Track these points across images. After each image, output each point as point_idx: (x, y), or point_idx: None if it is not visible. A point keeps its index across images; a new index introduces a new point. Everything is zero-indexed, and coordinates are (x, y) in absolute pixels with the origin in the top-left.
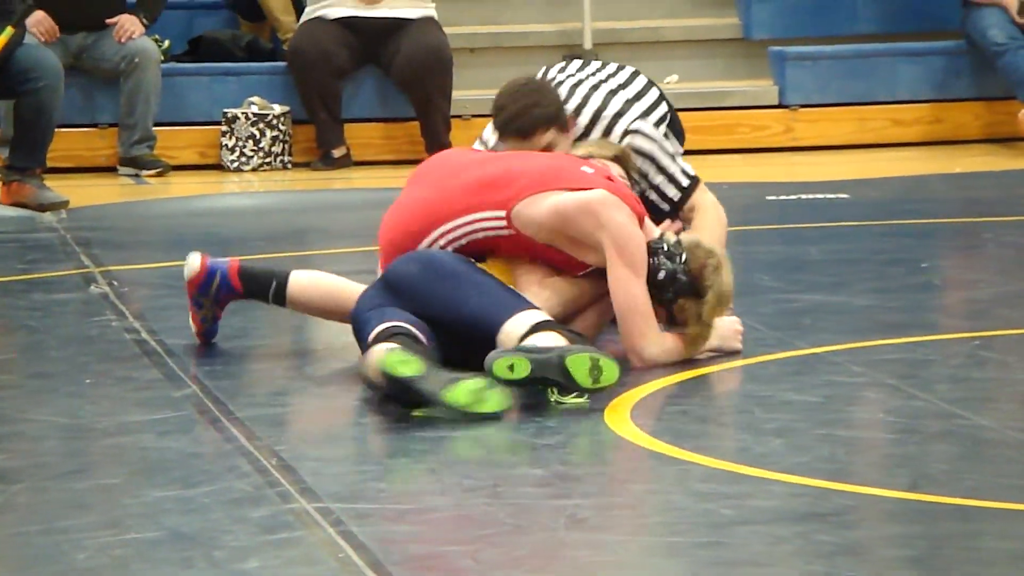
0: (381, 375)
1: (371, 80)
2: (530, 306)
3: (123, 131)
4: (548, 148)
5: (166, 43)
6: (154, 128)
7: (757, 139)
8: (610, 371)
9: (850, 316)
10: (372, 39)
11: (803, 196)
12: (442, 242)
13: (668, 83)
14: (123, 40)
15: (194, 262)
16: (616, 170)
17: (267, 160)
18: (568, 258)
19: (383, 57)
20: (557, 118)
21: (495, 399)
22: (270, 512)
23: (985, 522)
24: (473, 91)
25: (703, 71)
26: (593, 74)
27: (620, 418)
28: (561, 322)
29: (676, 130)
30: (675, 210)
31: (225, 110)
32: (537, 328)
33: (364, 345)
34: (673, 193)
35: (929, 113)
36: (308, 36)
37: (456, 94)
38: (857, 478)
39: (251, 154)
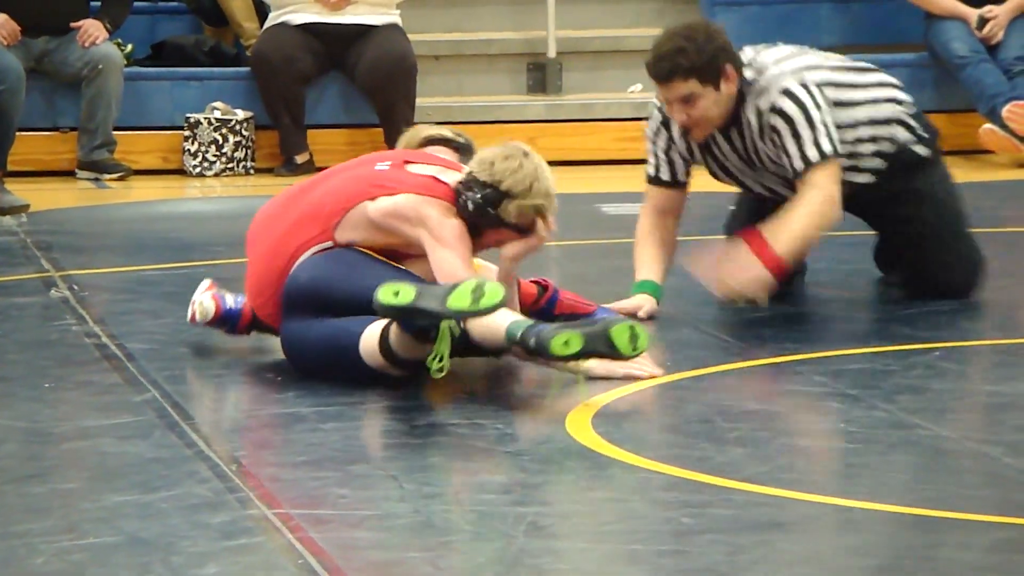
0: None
1: (335, 86)
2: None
3: (83, 135)
4: (689, 100)
5: (129, 47)
6: (116, 133)
7: None
8: (643, 336)
9: (812, 326)
10: (336, 45)
11: None
12: None
13: (631, 92)
14: (87, 45)
15: (208, 308)
16: (437, 150)
17: (230, 165)
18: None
19: (347, 63)
20: (700, 71)
21: (491, 292)
22: (229, 518)
23: (945, 532)
24: (437, 98)
25: None
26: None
27: (581, 426)
28: None
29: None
30: (794, 177)
31: (188, 115)
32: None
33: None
34: (798, 165)
35: None
36: (271, 41)
37: (420, 101)
38: (817, 488)
39: (214, 159)
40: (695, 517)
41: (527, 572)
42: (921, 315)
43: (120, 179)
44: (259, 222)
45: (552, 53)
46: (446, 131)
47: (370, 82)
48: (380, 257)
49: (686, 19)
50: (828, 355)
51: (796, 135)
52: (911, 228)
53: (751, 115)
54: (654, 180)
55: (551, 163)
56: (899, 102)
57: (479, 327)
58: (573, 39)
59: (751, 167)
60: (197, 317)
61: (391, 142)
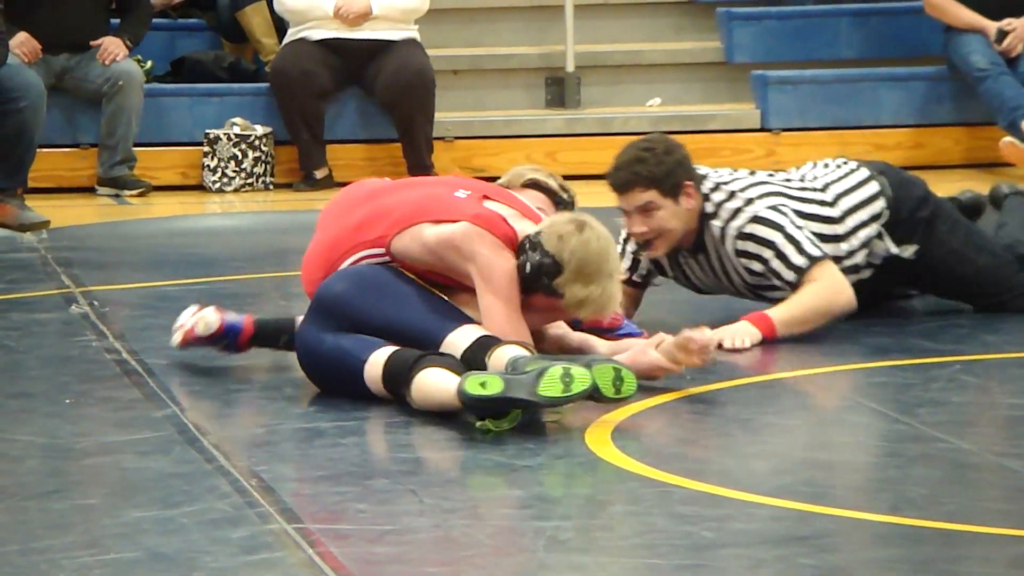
0: (464, 402)
1: (353, 101)
2: (468, 319)
3: (103, 151)
4: (647, 209)
5: (148, 64)
6: (136, 149)
7: (739, 162)
8: (630, 381)
9: (832, 340)
10: (355, 60)
11: None
12: None
13: (650, 106)
14: (107, 63)
15: (212, 321)
16: (533, 196)
17: (249, 181)
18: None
19: (366, 78)
20: (659, 181)
21: (580, 377)
22: (249, 533)
23: (966, 546)
24: (455, 113)
25: (685, 95)
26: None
27: (601, 439)
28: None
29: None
30: (793, 290)
31: (207, 131)
32: (483, 340)
33: (359, 376)
34: (790, 277)
35: (910, 138)
36: (290, 57)
37: (439, 116)
38: (838, 501)
39: (233, 175)
40: (715, 531)
41: None
42: (942, 328)
43: (140, 195)
44: (335, 206)
45: (571, 67)
46: (552, 181)
47: (389, 97)
48: (423, 284)
49: (703, 33)
50: (849, 368)
51: (780, 255)
52: (952, 282)
53: (720, 237)
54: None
55: (568, 178)
56: (874, 217)
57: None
58: (591, 53)
59: (721, 285)
60: (199, 330)
61: (410, 157)
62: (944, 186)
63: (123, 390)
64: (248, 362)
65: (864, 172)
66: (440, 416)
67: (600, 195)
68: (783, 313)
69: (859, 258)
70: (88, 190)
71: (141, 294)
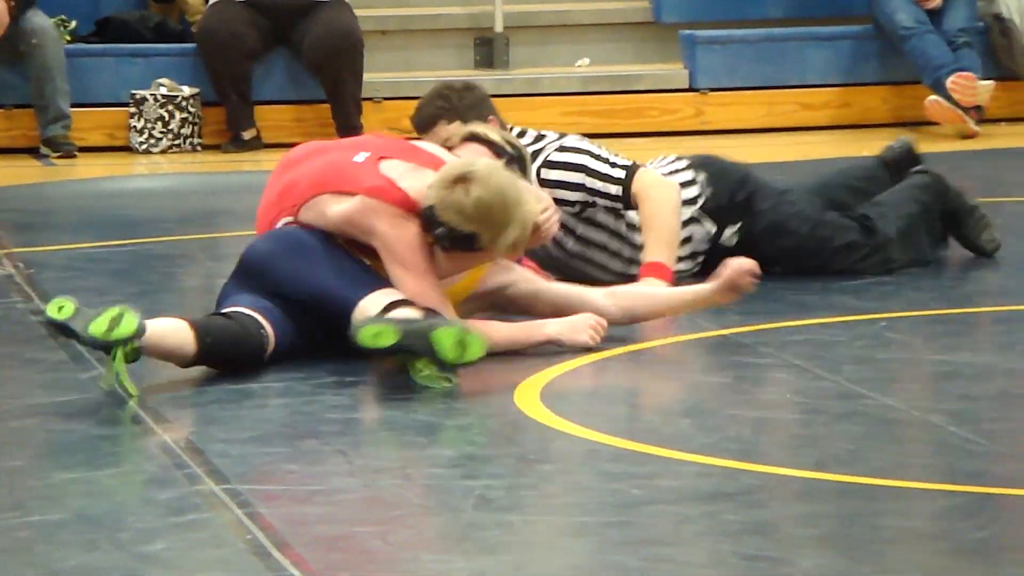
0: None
1: (281, 62)
2: (386, 284)
3: (37, 113)
4: (451, 144)
5: (72, 23)
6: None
7: (667, 123)
8: (475, 346)
9: (758, 298)
10: (282, 20)
11: None
12: None
13: (579, 66)
14: None
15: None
16: (474, 150)
17: (176, 142)
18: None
19: (294, 39)
20: (462, 112)
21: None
22: (177, 494)
23: (890, 501)
24: (384, 74)
25: (614, 55)
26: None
27: (530, 398)
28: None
29: None
30: (627, 206)
31: (133, 92)
32: (393, 306)
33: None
34: (615, 190)
35: (838, 97)
36: (217, 17)
37: (367, 76)
38: (764, 458)
39: (160, 136)
40: (642, 488)
41: (476, 545)
42: (867, 286)
43: (61, 157)
44: (278, 167)
45: (499, 27)
46: (495, 134)
47: (317, 58)
48: (347, 248)
49: None
50: (774, 327)
51: (595, 173)
52: (776, 254)
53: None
54: None
55: None
56: (688, 201)
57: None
58: (520, 13)
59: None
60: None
61: (339, 118)
62: (872, 144)
63: (49, 352)
64: None
65: (681, 163)
66: (370, 376)
67: None
68: (658, 252)
69: (683, 251)
70: (12, 151)
71: (67, 256)
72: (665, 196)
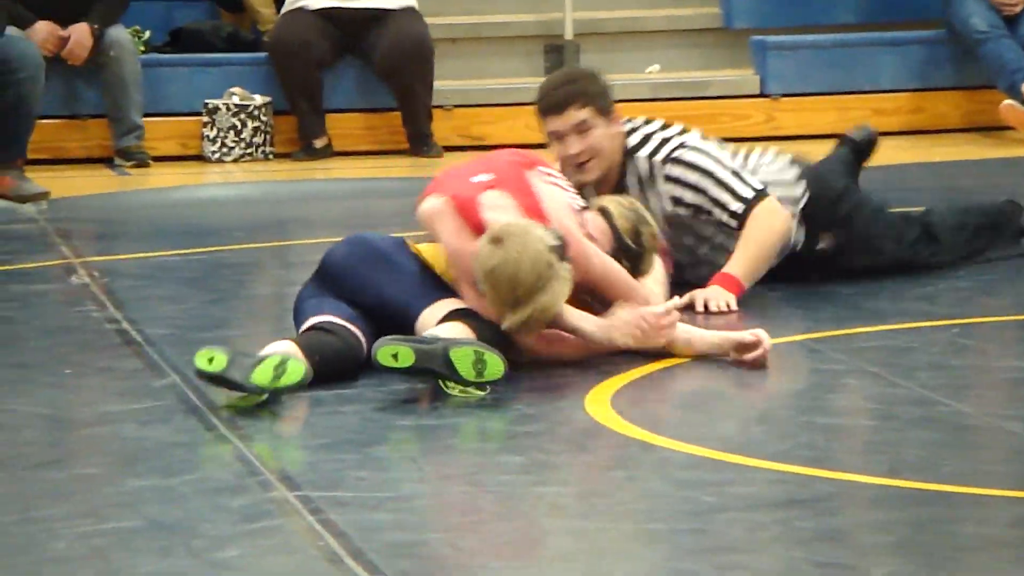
0: (196, 374)
1: (352, 71)
2: (449, 294)
3: (111, 123)
4: (584, 128)
5: (146, 34)
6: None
7: (738, 128)
8: (494, 365)
9: (831, 304)
10: (353, 30)
11: None
12: None
13: (649, 72)
14: (72, 63)
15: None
16: (596, 223)
17: (248, 151)
18: None
19: (364, 47)
20: (594, 98)
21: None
22: (250, 501)
23: (964, 508)
24: (454, 81)
25: (684, 61)
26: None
27: (600, 405)
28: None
29: None
30: (740, 226)
31: (206, 101)
32: (449, 317)
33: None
34: (736, 207)
35: (910, 102)
36: (289, 27)
37: (437, 84)
38: (837, 465)
39: (232, 145)
40: (714, 495)
41: (547, 552)
42: (941, 292)
43: (135, 167)
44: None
45: (569, 35)
46: (623, 220)
47: (388, 66)
48: (423, 259)
49: (701, 0)
50: (847, 333)
51: (723, 184)
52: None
53: (648, 168)
54: None
55: None
56: (793, 201)
57: None
58: (590, 20)
59: None
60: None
61: (409, 126)
62: (944, 149)
63: (123, 360)
64: (246, 331)
65: (784, 159)
66: (438, 384)
67: None
68: (741, 267)
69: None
70: (88, 161)
71: (141, 264)
72: (778, 225)
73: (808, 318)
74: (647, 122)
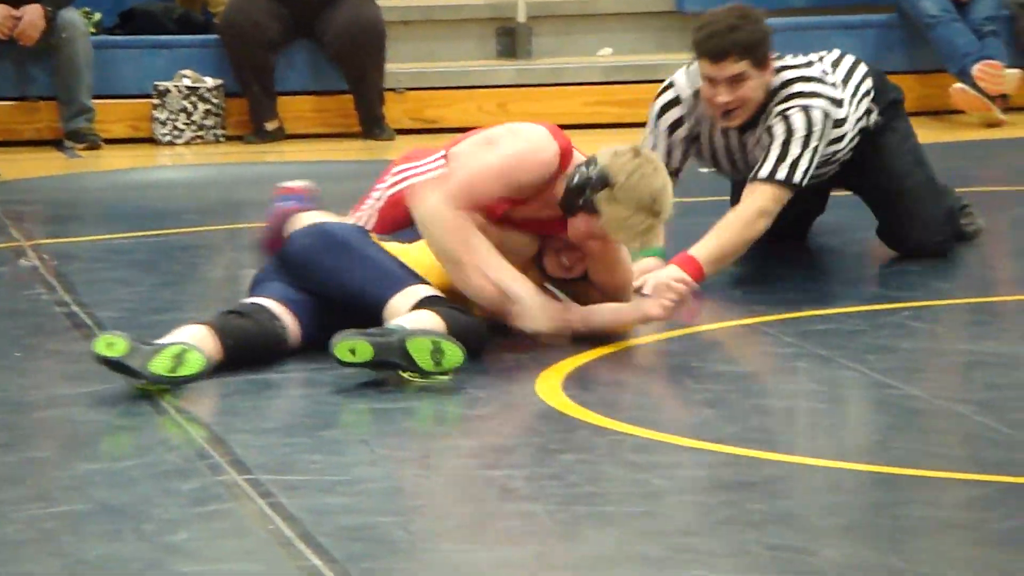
0: (94, 359)
1: (304, 53)
2: (419, 281)
3: (61, 106)
4: (738, 80)
5: (97, 16)
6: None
7: None
8: (453, 354)
9: (781, 287)
10: (305, 12)
11: None
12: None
13: (601, 56)
14: (24, 44)
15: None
16: None
17: (200, 133)
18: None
19: (316, 30)
20: (753, 50)
21: (192, 361)
22: (200, 484)
23: (914, 490)
24: (406, 64)
25: (636, 44)
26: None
27: (552, 389)
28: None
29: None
30: (753, 178)
31: (157, 83)
32: (420, 305)
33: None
34: (764, 172)
35: None
36: (240, 9)
37: (389, 67)
38: (789, 447)
39: (183, 127)
40: (666, 478)
41: (498, 535)
42: (891, 274)
43: (86, 149)
44: None
45: (522, 18)
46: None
47: (339, 49)
48: (385, 248)
49: None
50: (798, 316)
51: (782, 151)
52: (880, 182)
53: (769, 115)
54: None
55: None
56: (872, 97)
57: None
58: (543, 3)
59: (735, 167)
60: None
61: (361, 109)
62: None
63: (73, 343)
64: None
65: (849, 60)
66: (390, 368)
67: None
68: (706, 252)
69: (846, 151)
70: (38, 143)
71: (92, 247)
72: (758, 225)
73: (760, 301)
74: (808, 64)
